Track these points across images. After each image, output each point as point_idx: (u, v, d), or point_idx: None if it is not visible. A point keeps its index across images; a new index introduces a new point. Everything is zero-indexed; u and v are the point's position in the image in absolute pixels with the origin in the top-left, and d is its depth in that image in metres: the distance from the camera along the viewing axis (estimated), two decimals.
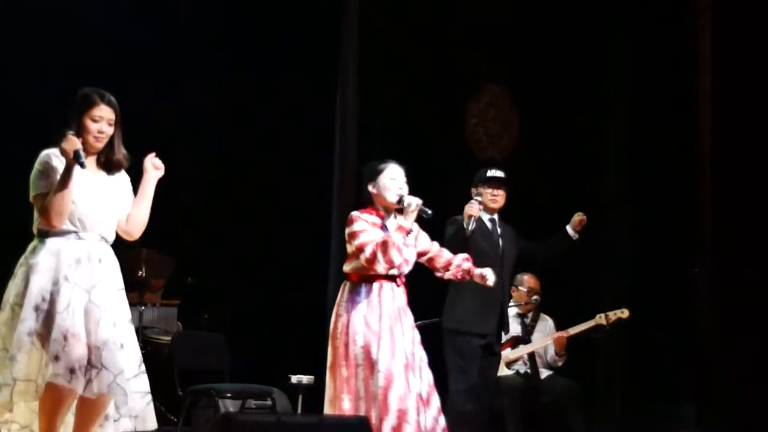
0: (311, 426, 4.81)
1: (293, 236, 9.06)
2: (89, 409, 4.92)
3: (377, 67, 9.36)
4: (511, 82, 10.19)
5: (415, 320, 7.15)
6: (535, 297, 8.08)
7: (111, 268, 5.00)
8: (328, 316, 5.99)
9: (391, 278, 5.74)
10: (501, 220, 7.12)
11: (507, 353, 7.81)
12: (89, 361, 4.81)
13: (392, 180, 5.81)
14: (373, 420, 5.45)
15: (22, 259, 4.94)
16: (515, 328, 8.02)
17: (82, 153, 4.80)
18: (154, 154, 5.06)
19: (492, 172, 7.06)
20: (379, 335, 5.61)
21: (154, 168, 5.06)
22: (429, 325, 7.46)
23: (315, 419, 5.22)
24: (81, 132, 4.94)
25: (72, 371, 4.77)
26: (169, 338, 8.13)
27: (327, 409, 5.68)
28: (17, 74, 8.40)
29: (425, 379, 5.75)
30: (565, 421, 7.84)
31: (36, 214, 4.92)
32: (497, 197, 7.04)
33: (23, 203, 5.06)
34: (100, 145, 5.01)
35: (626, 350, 9.29)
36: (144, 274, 8.59)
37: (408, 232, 5.73)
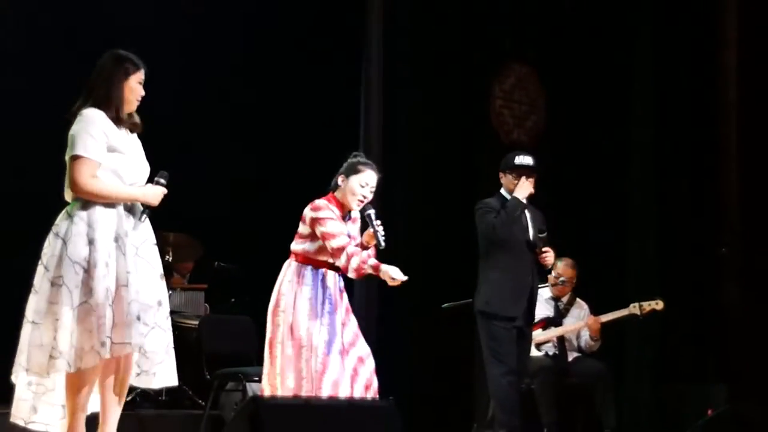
0: (339, 409, 4.81)
1: None
2: (116, 377, 4.96)
3: (402, 48, 9.35)
4: (536, 63, 10.16)
5: (446, 301, 7.18)
6: (562, 279, 8.06)
7: (149, 225, 5.08)
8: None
9: (336, 268, 5.84)
10: (531, 205, 7.03)
11: (537, 334, 7.79)
12: (139, 317, 4.87)
13: (362, 187, 5.86)
14: None
15: (70, 219, 4.90)
16: (548, 310, 8.02)
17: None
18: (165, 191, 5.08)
19: (520, 159, 6.90)
20: (321, 321, 5.73)
21: (155, 197, 5.06)
22: (461, 306, 7.48)
23: (343, 402, 5.23)
24: (126, 93, 5.04)
25: (128, 326, 4.85)
26: (196, 322, 8.16)
27: (264, 383, 5.79)
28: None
29: (359, 347, 5.85)
30: (595, 401, 7.83)
31: (78, 174, 4.88)
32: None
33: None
34: (133, 108, 5.11)
35: (655, 331, 9.27)
36: (171, 259, 8.62)
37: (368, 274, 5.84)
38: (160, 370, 5.00)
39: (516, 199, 6.79)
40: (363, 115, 8.97)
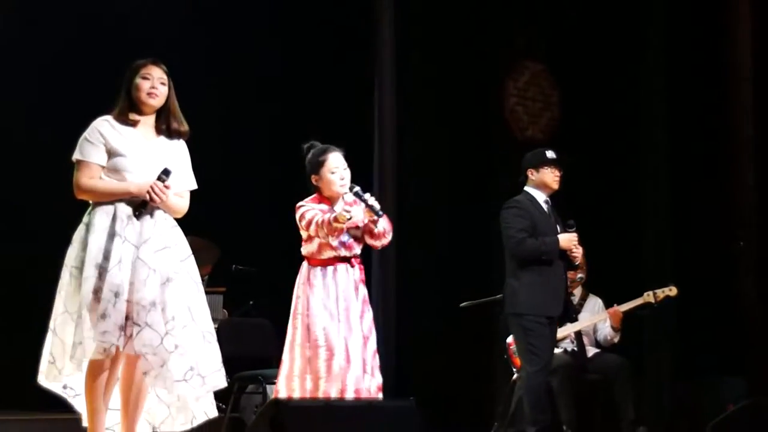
0: (360, 410, 4.82)
1: None
2: (132, 390, 5.02)
3: (414, 48, 9.36)
4: (549, 60, 10.14)
5: (464, 300, 7.16)
6: (580, 275, 8.06)
7: (163, 227, 5.09)
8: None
9: (345, 259, 5.87)
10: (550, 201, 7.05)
11: None
12: (130, 317, 4.89)
13: (333, 173, 5.90)
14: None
15: (79, 226, 5.07)
16: None
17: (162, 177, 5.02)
18: (162, 185, 5.07)
19: (551, 153, 6.97)
20: (337, 318, 5.77)
21: (150, 196, 5.06)
22: (480, 305, 7.49)
23: (364, 403, 5.24)
24: (134, 93, 5.11)
25: (121, 329, 4.87)
26: (215, 325, 8.16)
27: (281, 385, 5.82)
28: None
29: (369, 349, 5.86)
30: (614, 396, 7.83)
31: (76, 177, 5.05)
32: (558, 178, 6.96)
33: None
34: (154, 102, 5.15)
35: (673, 325, 9.26)
36: None
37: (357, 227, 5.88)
38: (161, 373, 4.96)
39: (557, 243, 6.77)
40: (377, 115, 8.98)
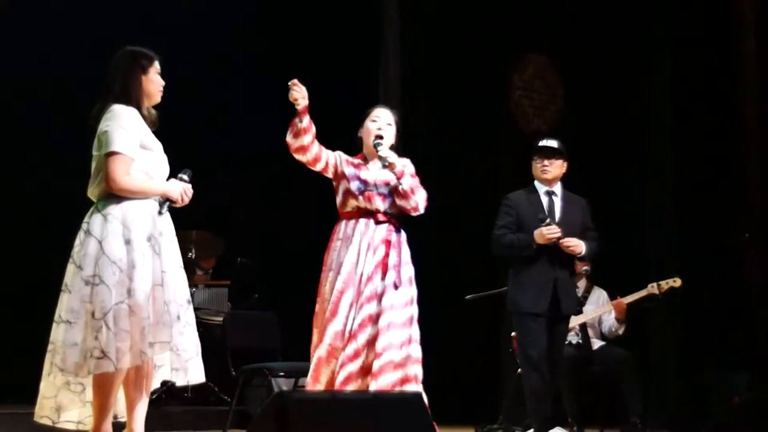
0: (365, 402, 4.80)
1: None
2: (141, 375, 4.96)
3: (419, 41, 9.35)
4: (554, 53, 10.14)
5: (469, 293, 7.12)
6: (585, 268, 8.05)
7: (170, 220, 5.02)
8: None
9: (369, 213, 5.77)
10: (568, 192, 6.98)
11: None
12: (179, 317, 4.86)
13: (374, 122, 5.89)
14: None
15: (103, 218, 4.83)
16: None
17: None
18: (190, 186, 5.04)
19: (543, 142, 6.94)
20: (339, 270, 5.68)
21: (181, 198, 5.02)
22: (484, 297, 7.48)
23: (369, 395, 5.23)
24: (148, 87, 5.02)
25: (166, 326, 4.84)
26: (220, 319, 8.18)
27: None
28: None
29: (362, 313, 5.66)
30: (619, 390, 7.83)
31: (114, 171, 4.81)
32: (547, 167, 6.87)
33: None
34: (159, 99, 5.08)
35: (678, 318, 9.25)
36: (193, 256, 8.65)
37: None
38: (189, 367, 4.97)
39: (532, 239, 6.70)
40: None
